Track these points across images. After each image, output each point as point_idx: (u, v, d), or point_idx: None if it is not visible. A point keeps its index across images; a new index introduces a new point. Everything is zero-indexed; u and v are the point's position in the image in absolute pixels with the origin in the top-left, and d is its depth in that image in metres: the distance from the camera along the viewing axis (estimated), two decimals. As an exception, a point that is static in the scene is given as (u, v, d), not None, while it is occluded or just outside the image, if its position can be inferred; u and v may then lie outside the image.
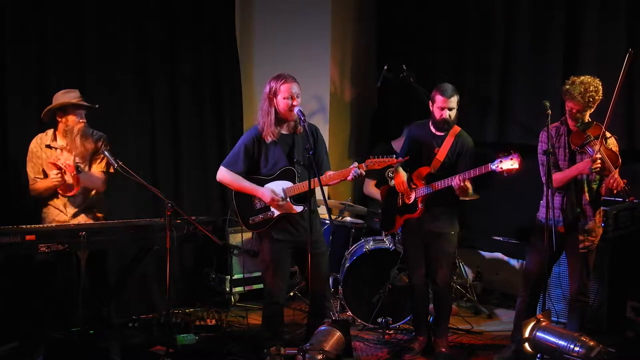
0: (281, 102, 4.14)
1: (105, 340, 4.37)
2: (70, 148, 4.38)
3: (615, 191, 3.96)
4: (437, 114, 4.40)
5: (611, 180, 3.93)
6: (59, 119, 4.38)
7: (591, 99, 4.03)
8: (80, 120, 4.39)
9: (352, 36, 6.65)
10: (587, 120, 4.13)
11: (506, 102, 5.90)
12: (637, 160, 5.20)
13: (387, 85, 6.18)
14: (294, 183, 4.20)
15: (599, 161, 3.94)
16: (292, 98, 4.13)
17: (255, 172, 4.25)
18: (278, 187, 4.21)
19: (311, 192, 4.05)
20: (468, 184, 4.19)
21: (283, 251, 4.26)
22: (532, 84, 5.12)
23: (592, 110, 4.11)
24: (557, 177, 4.11)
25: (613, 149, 4.09)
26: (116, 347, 4.39)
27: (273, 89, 4.15)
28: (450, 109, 4.37)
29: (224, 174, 4.27)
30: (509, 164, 3.97)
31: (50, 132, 4.45)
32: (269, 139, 4.18)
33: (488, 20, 5.95)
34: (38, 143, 4.43)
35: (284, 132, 4.23)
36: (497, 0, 5.89)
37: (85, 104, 4.40)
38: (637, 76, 5.15)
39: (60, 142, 4.40)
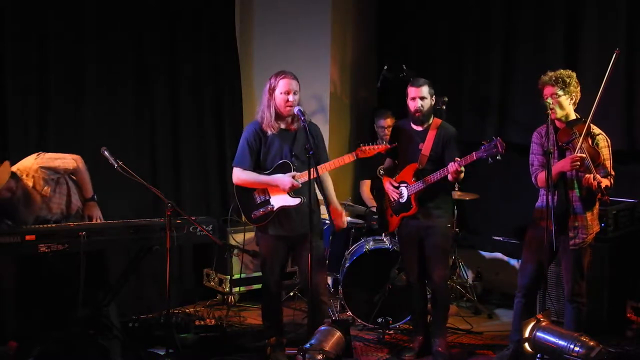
0: (278, 97, 4.22)
1: (105, 340, 4.37)
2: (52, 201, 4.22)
3: (593, 188, 3.93)
4: (411, 105, 4.46)
5: (586, 177, 3.94)
6: None
7: (560, 80, 4.06)
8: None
9: (352, 36, 6.65)
10: (574, 117, 4.12)
11: (506, 102, 5.89)
12: (637, 160, 5.19)
13: (387, 85, 6.19)
14: None
15: (578, 158, 3.93)
16: (288, 93, 4.19)
17: (256, 166, 4.32)
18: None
19: (310, 187, 4.10)
20: (461, 167, 4.24)
21: (278, 245, 4.37)
22: (532, 84, 5.11)
23: (571, 100, 4.10)
24: (542, 176, 4.11)
25: (600, 144, 4.05)
26: (116, 347, 4.38)
27: (272, 84, 4.25)
28: (422, 98, 4.41)
29: (238, 175, 4.32)
30: (492, 149, 4.03)
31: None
32: (269, 132, 4.27)
33: (488, 21, 5.95)
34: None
35: (283, 127, 4.30)
36: (497, 0, 5.89)
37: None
38: (637, 77, 5.15)
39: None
